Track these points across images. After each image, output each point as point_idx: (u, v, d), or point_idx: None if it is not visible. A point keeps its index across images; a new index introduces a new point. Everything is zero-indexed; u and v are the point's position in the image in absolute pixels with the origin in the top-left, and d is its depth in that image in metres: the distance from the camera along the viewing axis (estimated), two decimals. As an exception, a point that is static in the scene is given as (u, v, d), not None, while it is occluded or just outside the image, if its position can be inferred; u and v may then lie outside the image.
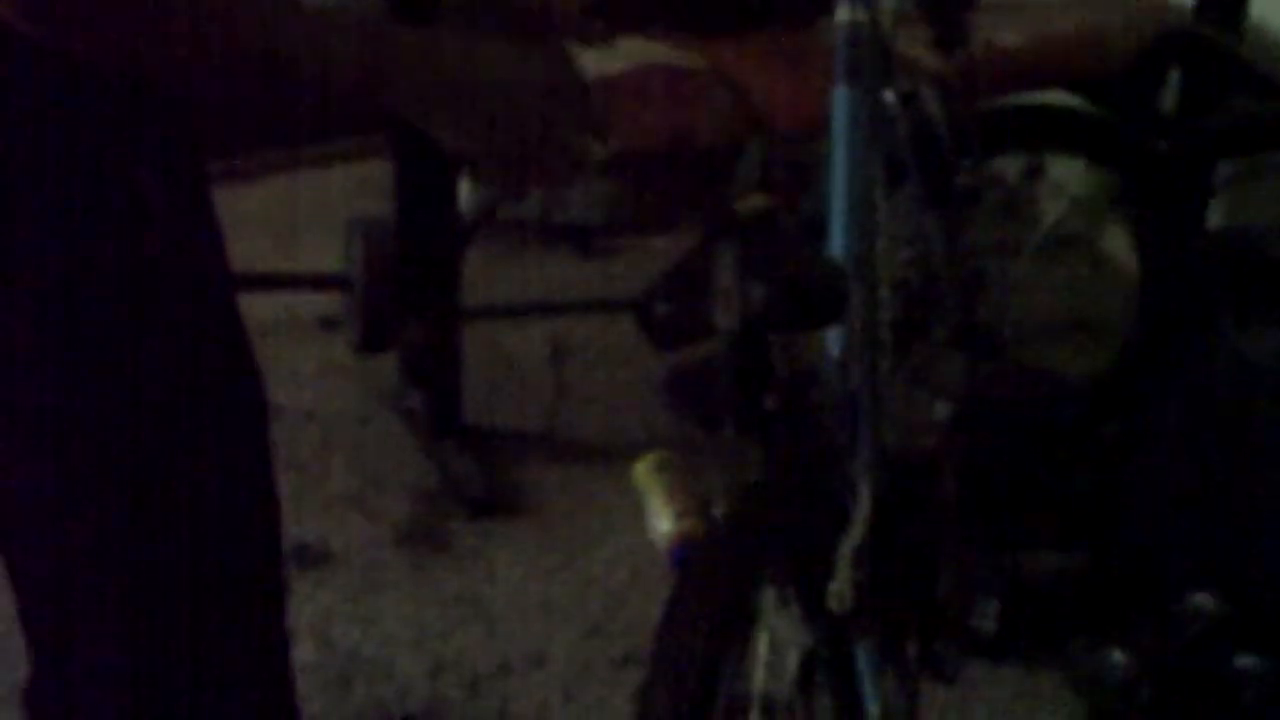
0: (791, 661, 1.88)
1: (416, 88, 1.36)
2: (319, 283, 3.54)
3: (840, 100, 2.30)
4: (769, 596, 1.88)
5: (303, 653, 2.87)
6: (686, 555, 3.01)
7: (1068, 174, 4.24)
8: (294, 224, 4.15)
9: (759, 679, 1.86)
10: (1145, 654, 2.70)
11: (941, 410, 2.37)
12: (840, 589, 1.83)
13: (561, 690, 2.82)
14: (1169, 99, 3.55)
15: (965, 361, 2.65)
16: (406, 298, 3.30)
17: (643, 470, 3.23)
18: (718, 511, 2.37)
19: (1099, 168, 3.98)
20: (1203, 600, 2.79)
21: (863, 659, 1.94)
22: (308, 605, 3.00)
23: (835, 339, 2.02)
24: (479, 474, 3.31)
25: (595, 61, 3.21)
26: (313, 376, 3.65)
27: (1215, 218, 3.60)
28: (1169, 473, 3.01)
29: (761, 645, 1.89)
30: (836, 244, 2.06)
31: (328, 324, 3.78)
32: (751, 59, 3.37)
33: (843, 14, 2.40)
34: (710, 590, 1.88)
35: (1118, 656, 2.73)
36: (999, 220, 3.36)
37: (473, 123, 1.40)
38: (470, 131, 1.40)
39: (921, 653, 2.16)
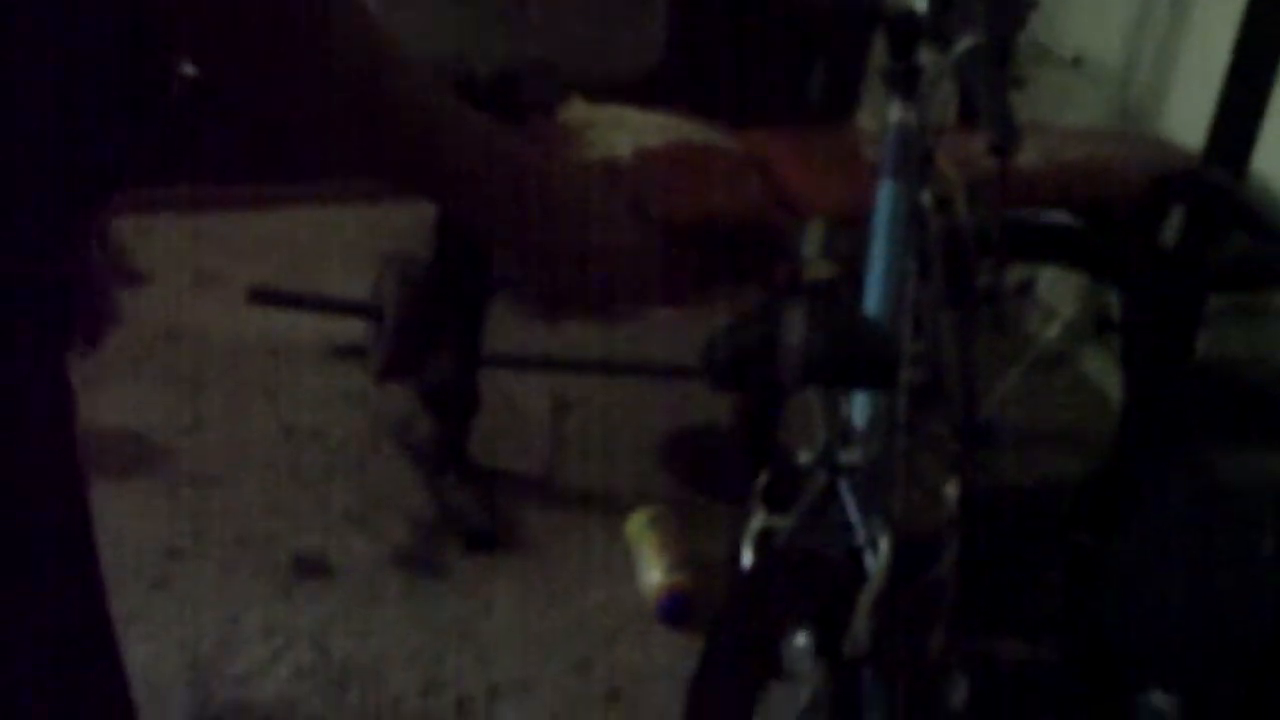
0: (804, 699, 2.02)
1: (501, 204, 1.29)
2: (348, 309, 3.67)
3: (885, 193, 2.48)
4: (795, 639, 2.03)
5: (300, 655, 3.01)
6: (683, 607, 3.18)
7: (1053, 294, 4.44)
8: (307, 253, 4.27)
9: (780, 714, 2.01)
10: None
11: (951, 490, 2.52)
12: (857, 634, 1.98)
13: (548, 718, 2.95)
14: (1170, 232, 3.72)
15: (967, 451, 2.82)
16: (433, 334, 3.44)
17: (636, 524, 3.41)
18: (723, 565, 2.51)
19: (1087, 294, 4.18)
20: (1159, 700, 2.95)
21: (870, 701, 2.09)
22: (306, 613, 3.13)
23: (863, 407, 2.19)
24: (479, 509, 3.45)
25: (635, 135, 3.40)
26: (322, 400, 3.78)
27: (1201, 347, 3.76)
28: (1139, 578, 3.17)
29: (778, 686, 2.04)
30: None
31: (340, 352, 3.91)
32: (784, 148, 3.55)
33: (894, 114, 2.59)
34: (747, 634, 2.03)
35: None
36: (988, 331, 3.52)
37: (549, 257, 1.33)
38: (543, 262, 1.34)
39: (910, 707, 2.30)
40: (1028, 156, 3.45)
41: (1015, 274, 4.43)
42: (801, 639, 2.04)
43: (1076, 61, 3.39)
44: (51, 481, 1.22)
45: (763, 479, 2.10)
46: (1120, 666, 3.08)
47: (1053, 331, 4.32)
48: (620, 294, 1.41)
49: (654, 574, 3.28)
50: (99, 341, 2.78)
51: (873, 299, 2.32)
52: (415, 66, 1.21)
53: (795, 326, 1.89)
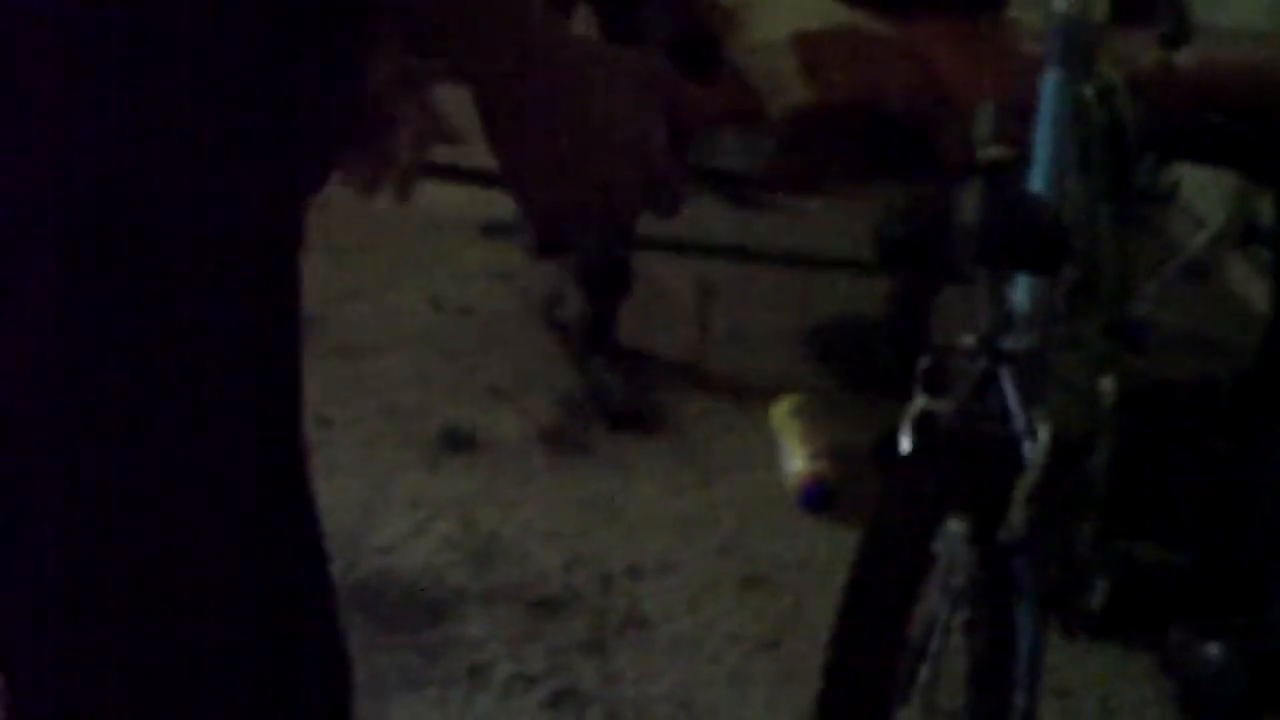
0: (958, 584, 2.03)
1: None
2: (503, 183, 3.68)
3: (1050, 83, 2.46)
4: (949, 525, 2.03)
5: (445, 527, 3.04)
6: (825, 495, 3.18)
7: (1200, 201, 4.39)
8: (464, 127, 4.28)
9: (932, 599, 2.02)
10: (1241, 649, 2.83)
11: (1107, 386, 2.51)
12: (1013, 521, 1.98)
13: (688, 599, 2.97)
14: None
15: (1121, 350, 2.80)
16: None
17: (780, 412, 3.41)
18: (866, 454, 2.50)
19: (1236, 202, 4.12)
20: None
21: (1021, 591, 2.09)
22: (452, 485, 3.17)
23: (1026, 293, 2.18)
24: (625, 389, 3.47)
25: (796, 16, 3.39)
26: (472, 276, 3.81)
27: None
28: (1278, 487, 3.15)
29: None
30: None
31: (490, 230, 3.93)
32: (938, 38, 3.53)
33: (1059, 4, 2.56)
34: (906, 517, 2.03)
35: (1214, 648, 2.87)
36: (1133, 233, 3.49)
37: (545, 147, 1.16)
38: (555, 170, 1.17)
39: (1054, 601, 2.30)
40: (1187, 56, 3.42)
41: (1165, 176, 4.39)
42: (957, 525, 2.05)
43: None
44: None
45: (924, 362, 2.10)
46: (1260, 576, 3.07)
47: (1201, 239, 4.28)
48: (623, 208, 1.20)
49: (797, 461, 3.29)
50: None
51: (1037, 188, 2.31)
52: None
53: (971, 206, 1.89)
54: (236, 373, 1.16)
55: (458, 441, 3.28)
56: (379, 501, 3.09)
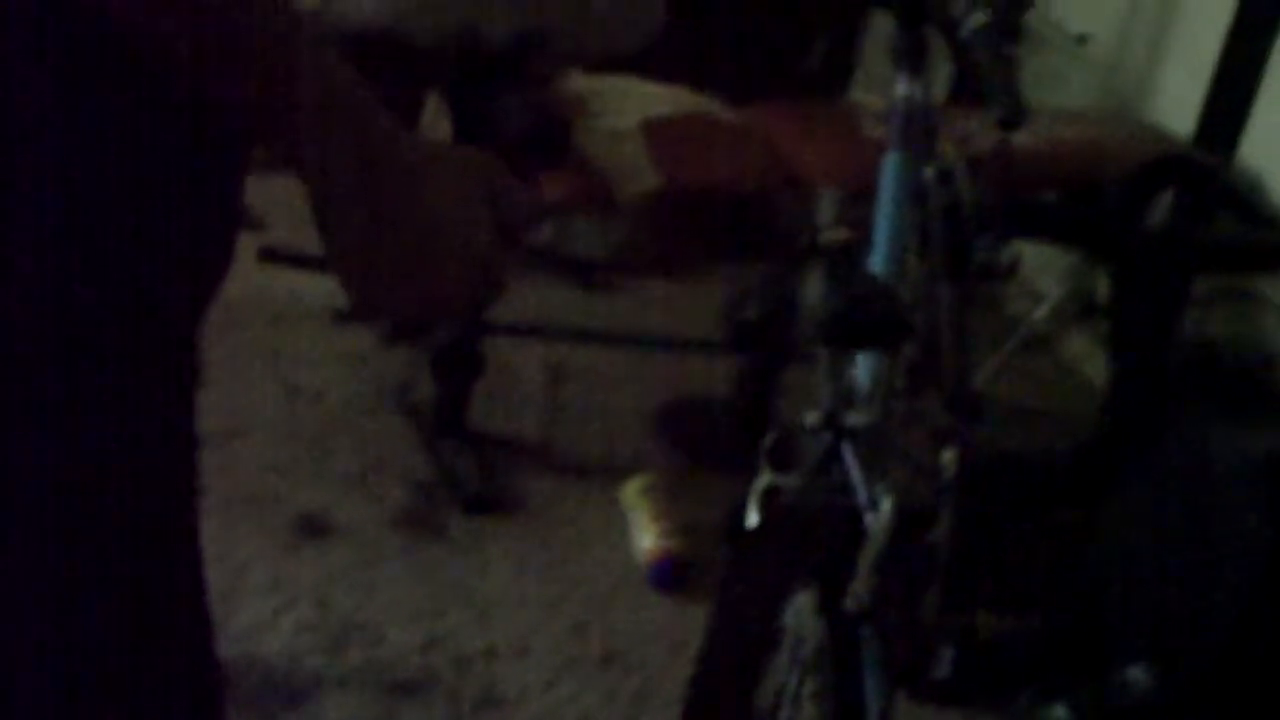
0: (806, 654, 2.08)
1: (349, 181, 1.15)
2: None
3: (890, 165, 2.54)
4: (797, 596, 2.09)
5: (302, 611, 3.06)
6: (675, 572, 3.23)
7: (1039, 276, 4.50)
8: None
9: (782, 669, 2.07)
10: (1084, 711, 2.90)
11: (948, 458, 2.57)
12: (859, 591, 2.04)
13: (544, 679, 3.01)
14: (1159, 215, 3.78)
15: (960, 423, 2.87)
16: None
17: (630, 491, 3.46)
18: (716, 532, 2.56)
19: (1073, 276, 4.23)
20: (1139, 673, 3.01)
21: (869, 656, 2.14)
22: (308, 570, 3.18)
23: (867, 370, 2.25)
24: (477, 472, 3.50)
25: (640, 105, 3.45)
26: (325, 362, 3.83)
27: (1187, 328, 3.82)
28: (1122, 553, 3.23)
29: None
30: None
31: (342, 315, 3.95)
32: (783, 122, 3.60)
33: (900, 88, 2.64)
34: (754, 590, 2.09)
35: (1059, 711, 2.94)
36: (973, 310, 3.57)
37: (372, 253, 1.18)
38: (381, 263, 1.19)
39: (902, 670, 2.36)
40: (1023, 136, 3.52)
41: (1004, 253, 4.49)
42: (804, 596, 2.10)
43: (1082, 39, 3.44)
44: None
45: (769, 439, 2.16)
46: (1102, 640, 3.14)
47: (1040, 313, 4.39)
48: (444, 307, 1.24)
49: (648, 539, 3.34)
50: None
51: (877, 268, 2.38)
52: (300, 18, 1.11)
53: (813, 289, 1.95)
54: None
55: (313, 527, 3.30)
56: (237, 587, 3.10)
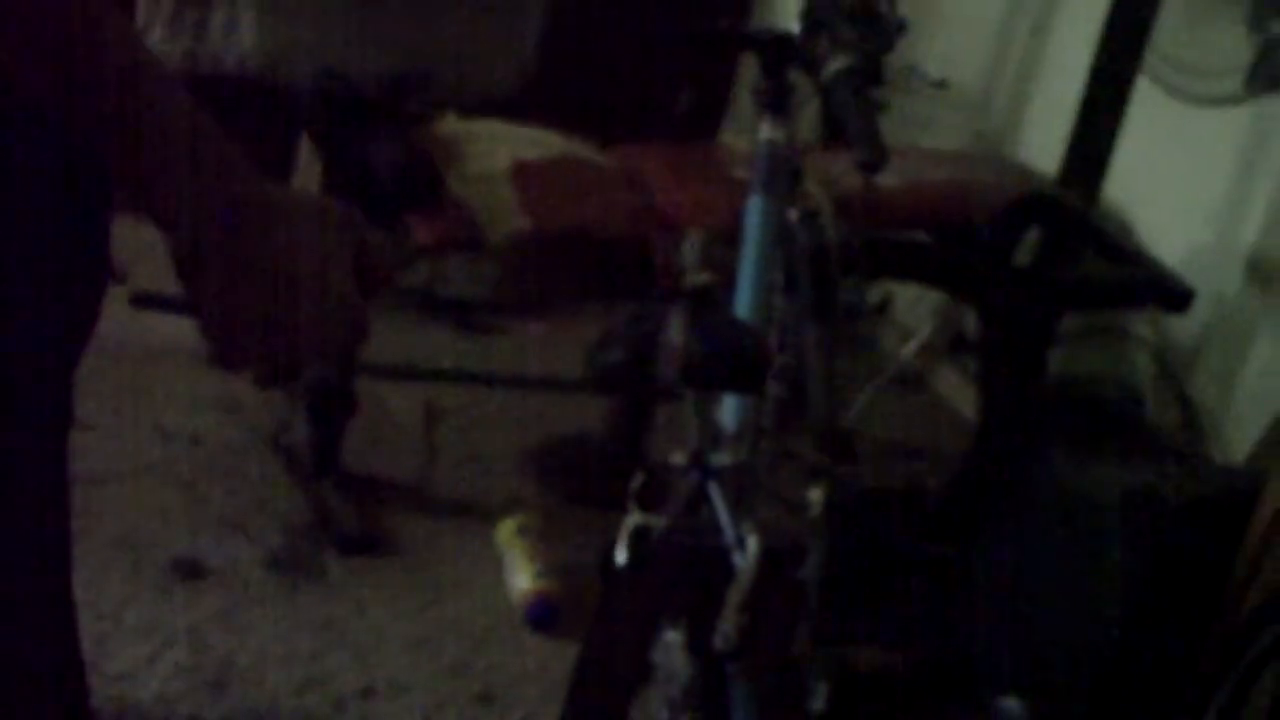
0: (676, 692, 2.11)
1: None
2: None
3: (754, 208, 2.58)
4: (666, 635, 2.12)
5: (179, 655, 3.06)
6: (550, 612, 3.25)
7: (909, 313, 4.56)
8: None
9: (653, 708, 2.10)
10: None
11: (815, 496, 2.62)
12: (726, 630, 2.07)
13: (423, 719, 3.03)
14: (1025, 253, 3.85)
15: (829, 461, 2.91)
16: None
17: (505, 531, 3.49)
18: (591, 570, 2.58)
19: (943, 314, 4.30)
20: (1013, 704, 3.07)
21: (738, 696, 2.18)
22: (185, 613, 3.18)
23: (733, 411, 2.28)
24: (352, 514, 3.52)
25: (511, 148, 3.48)
26: (202, 406, 3.83)
27: (1054, 365, 3.89)
28: (994, 587, 3.28)
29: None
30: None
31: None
32: (653, 164, 3.64)
33: (764, 132, 2.69)
34: (623, 630, 2.12)
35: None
36: (848, 347, 3.62)
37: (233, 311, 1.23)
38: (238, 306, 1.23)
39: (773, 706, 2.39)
40: (889, 177, 3.58)
41: (874, 293, 4.57)
42: (672, 635, 2.14)
43: (942, 84, 3.50)
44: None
45: (637, 480, 2.18)
46: (975, 672, 3.20)
47: (910, 349, 4.45)
48: (306, 353, 1.28)
49: (523, 580, 3.37)
50: None
51: (742, 310, 2.42)
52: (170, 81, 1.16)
53: (676, 331, 1.99)
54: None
55: (189, 570, 3.30)
56: (112, 631, 3.09)
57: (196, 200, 1.18)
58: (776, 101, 2.69)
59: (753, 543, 2.11)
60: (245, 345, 1.25)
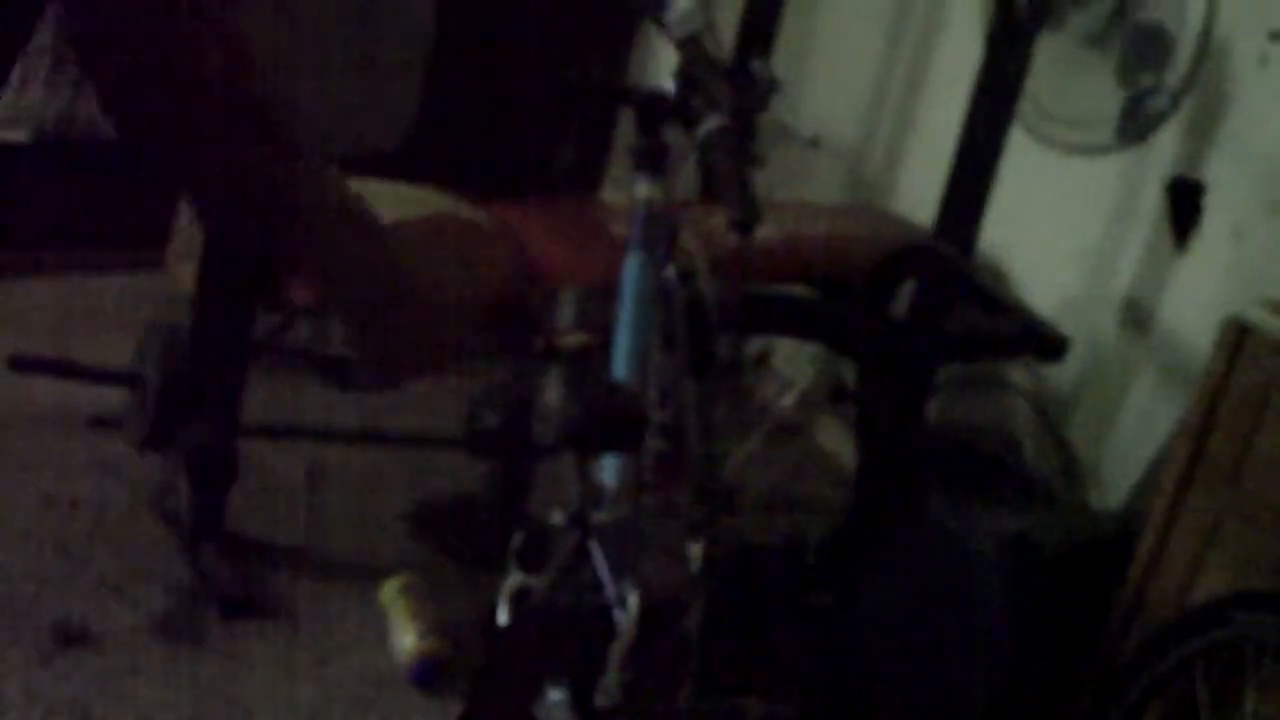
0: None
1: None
2: (109, 377, 3.70)
3: (632, 265, 2.60)
4: (549, 693, 2.13)
5: (61, 725, 3.04)
6: (435, 672, 3.25)
7: (789, 365, 4.60)
8: (66, 322, 4.29)
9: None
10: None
11: (695, 551, 2.64)
12: (609, 686, 2.09)
13: (305, 781, 3.03)
14: (901, 305, 3.89)
15: (709, 515, 2.93)
16: (193, 403, 3.49)
17: (389, 591, 3.49)
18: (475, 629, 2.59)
19: (822, 365, 4.33)
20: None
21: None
22: (66, 680, 3.15)
23: (612, 470, 2.30)
24: (235, 576, 3.50)
25: (388, 207, 3.48)
26: (82, 469, 3.81)
27: (931, 415, 3.93)
28: (879, 633, 3.31)
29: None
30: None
31: (97, 422, 3.93)
32: (532, 221, 3.66)
33: (641, 190, 2.71)
34: (505, 689, 2.13)
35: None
36: (728, 400, 3.64)
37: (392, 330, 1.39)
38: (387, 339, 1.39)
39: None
40: (767, 232, 3.61)
41: (753, 344, 4.60)
42: (556, 693, 2.15)
43: (815, 142, 3.54)
44: None
45: (517, 539, 2.20)
46: (860, 718, 3.22)
47: (788, 401, 4.48)
48: (449, 355, 1.48)
49: (407, 639, 3.36)
50: None
51: (620, 367, 2.44)
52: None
53: (552, 392, 2.01)
54: None
55: (71, 636, 3.27)
56: (-8, 702, 3.07)
57: (343, 250, 1.33)
58: (652, 160, 2.71)
59: (634, 600, 2.13)
60: (396, 359, 1.42)
